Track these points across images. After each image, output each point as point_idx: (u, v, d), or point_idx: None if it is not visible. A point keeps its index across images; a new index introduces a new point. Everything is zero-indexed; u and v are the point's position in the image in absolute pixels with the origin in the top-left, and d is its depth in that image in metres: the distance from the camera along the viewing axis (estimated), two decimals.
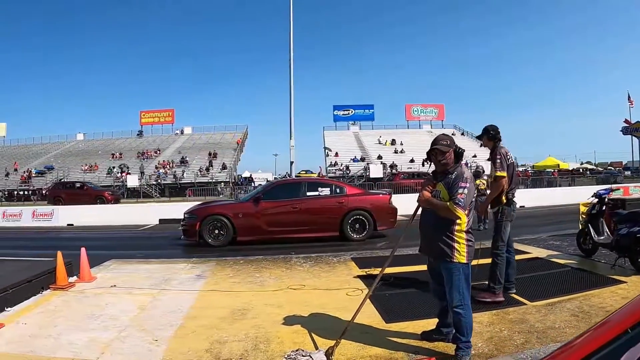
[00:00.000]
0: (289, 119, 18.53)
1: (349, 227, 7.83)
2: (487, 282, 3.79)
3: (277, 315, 3.61)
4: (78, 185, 24.19)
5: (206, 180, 30.73)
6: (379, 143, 37.87)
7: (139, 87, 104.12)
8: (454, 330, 2.75)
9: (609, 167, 41.68)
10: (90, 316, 3.68)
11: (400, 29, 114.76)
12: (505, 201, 3.75)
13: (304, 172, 31.58)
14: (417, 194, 2.88)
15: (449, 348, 2.76)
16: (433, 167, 2.87)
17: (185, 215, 8.06)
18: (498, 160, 3.68)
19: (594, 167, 41.70)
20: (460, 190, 2.53)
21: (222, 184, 30.18)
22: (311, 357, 2.65)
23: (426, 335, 2.92)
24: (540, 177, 29.78)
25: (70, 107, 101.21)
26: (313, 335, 3.12)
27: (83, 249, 5.20)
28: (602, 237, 4.98)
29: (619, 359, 0.78)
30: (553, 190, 20.29)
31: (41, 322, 3.54)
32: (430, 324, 3.09)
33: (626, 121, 42.37)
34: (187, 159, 34.86)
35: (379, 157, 33.33)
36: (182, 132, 43.91)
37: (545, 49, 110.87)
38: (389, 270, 5.05)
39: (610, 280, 4.22)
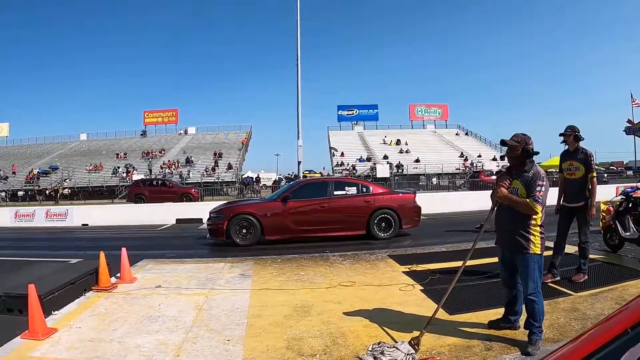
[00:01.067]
0: (296, 119, 18.54)
1: (376, 226, 7.80)
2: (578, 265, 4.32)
3: (340, 311, 3.63)
4: (162, 182, 22.84)
5: (212, 180, 30.57)
6: (384, 143, 37.75)
7: (141, 87, 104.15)
8: (520, 318, 2.98)
9: (610, 167, 41.80)
10: (147, 318, 3.58)
11: (403, 30, 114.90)
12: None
13: (307, 172, 31.46)
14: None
15: (517, 335, 2.93)
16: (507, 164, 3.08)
17: (212, 215, 7.96)
18: (592, 162, 4.15)
19: (596, 167, 41.68)
20: (538, 188, 2.74)
21: (228, 184, 30.06)
22: (397, 348, 2.69)
23: (493, 324, 3.08)
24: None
25: (73, 107, 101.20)
26: (385, 328, 3.16)
27: (124, 249, 5.10)
28: (628, 233, 5.18)
29: (619, 359, 0.77)
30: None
31: (97, 326, 3.43)
32: (490, 314, 3.29)
33: (629, 121, 42.40)
34: (192, 159, 34.70)
35: (385, 157, 33.24)
36: (185, 132, 43.71)
37: (546, 48, 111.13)
38: (434, 266, 5.23)
39: None
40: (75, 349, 2.98)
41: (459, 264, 5.09)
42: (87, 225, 13.30)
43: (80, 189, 31.54)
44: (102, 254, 4.72)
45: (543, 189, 2.74)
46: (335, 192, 7.94)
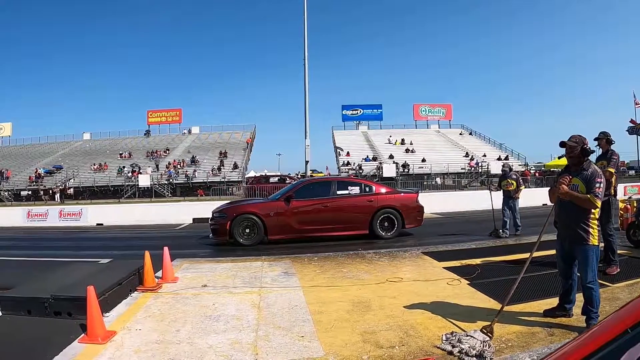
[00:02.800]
0: (303, 119, 18.43)
1: (379, 226, 7.77)
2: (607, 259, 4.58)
3: (399, 305, 3.71)
4: (282, 178, 23.14)
5: (218, 180, 30.53)
6: (389, 143, 37.72)
7: (144, 87, 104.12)
8: (573, 306, 3.25)
9: None
10: (207, 317, 3.52)
11: (408, 29, 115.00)
12: (614, 193, 4.62)
13: (311, 171, 31.34)
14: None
15: (572, 322, 3.14)
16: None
17: (215, 215, 7.94)
18: (614, 159, 4.51)
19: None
20: (597, 185, 2.95)
21: (234, 183, 30.04)
22: (472, 336, 2.83)
23: (549, 313, 3.30)
24: (552, 176, 29.83)
25: (75, 107, 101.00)
26: (450, 320, 3.29)
27: (166, 249, 5.06)
28: None
29: (619, 359, 0.77)
30: None
31: (157, 327, 3.34)
32: (542, 304, 3.49)
33: (632, 121, 42.54)
34: (197, 158, 34.62)
35: (391, 157, 33.23)
36: (189, 132, 43.62)
37: (548, 48, 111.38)
38: (471, 262, 5.37)
39: None
40: (143, 352, 2.87)
41: (493, 259, 5.53)
42: (102, 224, 13.25)
43: (85, 189, 31.49)
44: (147, 254, 4.67)
45: (602, 185, 2.96)
46: (339, 192, 7.94)
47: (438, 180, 31.32)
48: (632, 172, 39.03)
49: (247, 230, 7.54)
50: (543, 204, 15.78)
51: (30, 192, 31.56)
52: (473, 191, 20.03)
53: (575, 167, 3.07)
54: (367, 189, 8.12)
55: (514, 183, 7.72)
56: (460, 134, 42.56)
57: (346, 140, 38.19)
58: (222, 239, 7.69)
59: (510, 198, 7.72)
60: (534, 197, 15.90)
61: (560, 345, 1.17)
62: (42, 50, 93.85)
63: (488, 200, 8.24)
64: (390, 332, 3.08)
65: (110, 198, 29.64)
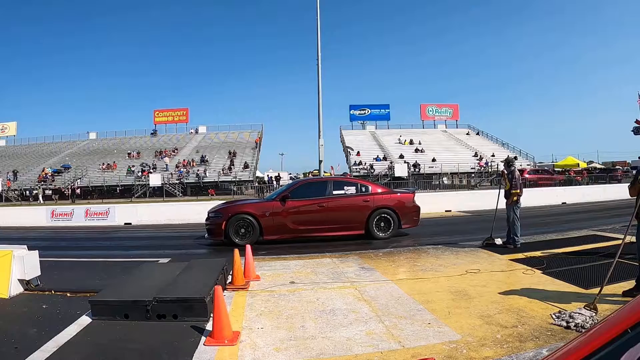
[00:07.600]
0: (317, 118, 18.16)
1: (375, 226, 7.74)
2: None
3: (493, 292, 3.93)
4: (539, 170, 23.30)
5: (229, 179, 30.53)
6: (399, 142, 37.86)
7: (149, 87, 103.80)
8: None
9: (617, 167, 42.89)
10: (322, 312, 3.59)
11: (413, 29, 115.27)
12: None
13: (316, 171, 31.42)
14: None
15: None
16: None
17: (210, 215, 7.93)
18: None
19: (602, 167, 43.02)
20: None
21: (244, 183, 30.06)
22: (580, 313, 3.13)
23: (627, 293, 3.61)
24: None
25: (79, 106, 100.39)
26: (547, 302, 3.54)
27: (248, 247, 5.11)
28: None
29: (619, 359, 0.78)
30: (580, 188, 20.81)
31: (279, 325, 3.31)
32: (617, 287, 3.78)
33: (637, 122, 42.92)
34: (207, 158, 34.58)
35: (401, 157, 33.36)
36: (196, 132, 43.53)
37: (551, 48, 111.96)
38: (534, 254, 5.62)
39: None
40: (285, 350, 2.81)
41: (552, 251, 5.76)
42: (130, 224, 13.23)
43: (94, 188, 31.36)
44: (236, 252, 4.74)
45: None
46: (335, 192, 7.89)
47: (445, 180, 31.48)
48: (634, 172, 39.34)
49: (242, 230, 7.48)
50: (562, 202, 16.04)
51: (37, 191, 31.33)
52: (494, 190, 20.19)
53: None
54: (364, 189, 8.05)
55: (508, 184, 6.22)
56: (468, 133, 42.75)
57: (354, 140, 38.28)
58: (217, 239, 7.63)
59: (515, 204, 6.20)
60: (550, 196, 16.23)
61: (561, 345, 1.21)
62: (46, 49, 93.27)
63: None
64: (504, 314, 3.28)
65: (119, 197, 29.58)
